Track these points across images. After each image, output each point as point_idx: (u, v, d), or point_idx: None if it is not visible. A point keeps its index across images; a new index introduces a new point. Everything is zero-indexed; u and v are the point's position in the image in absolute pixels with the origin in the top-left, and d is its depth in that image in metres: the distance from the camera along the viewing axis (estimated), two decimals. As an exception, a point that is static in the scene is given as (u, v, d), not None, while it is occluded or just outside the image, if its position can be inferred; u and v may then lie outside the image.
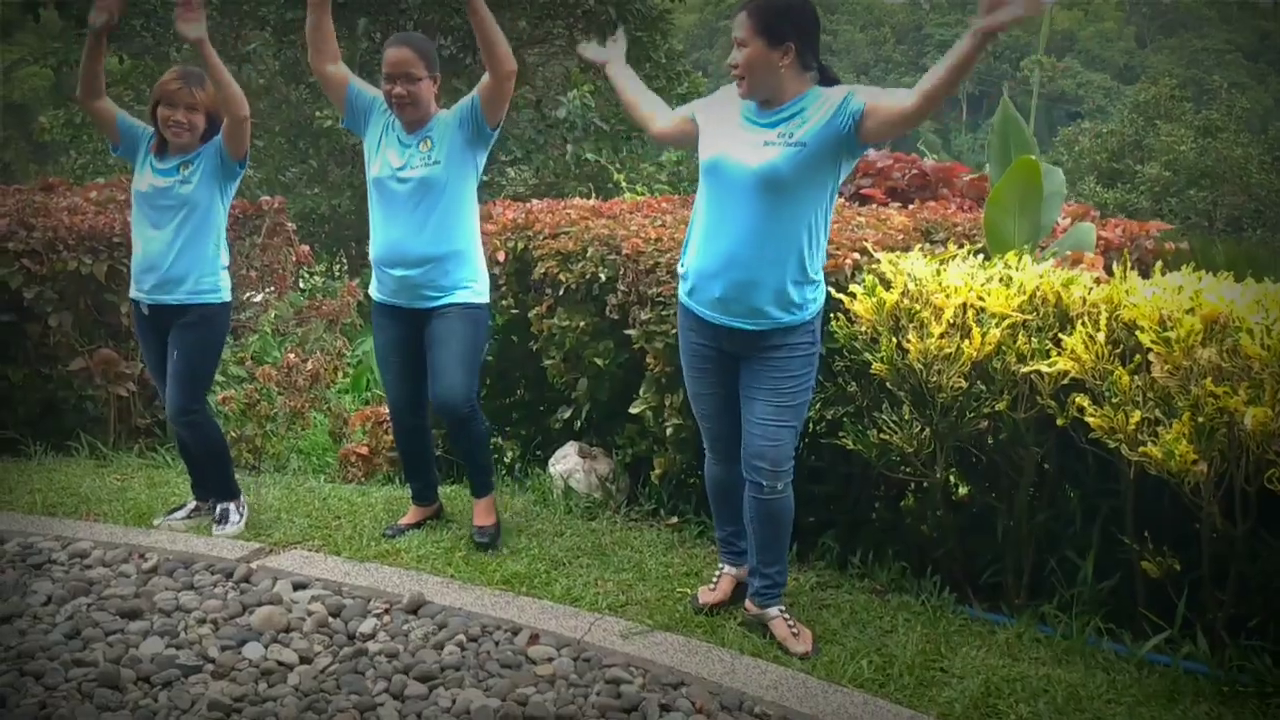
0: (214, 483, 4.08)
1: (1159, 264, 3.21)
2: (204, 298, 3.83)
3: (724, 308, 2.98)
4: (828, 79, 2.93)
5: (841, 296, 3.35)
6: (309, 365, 5.77)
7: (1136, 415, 2.90)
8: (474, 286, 3.70)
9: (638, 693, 2.80)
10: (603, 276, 4.05)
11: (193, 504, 4.14)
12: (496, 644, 3.08)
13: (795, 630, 3.09)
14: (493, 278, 4.41)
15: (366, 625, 3.17)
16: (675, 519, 4.10)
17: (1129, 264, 3.32)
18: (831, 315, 3.36)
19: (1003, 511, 3.49)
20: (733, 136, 2.93)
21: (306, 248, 7.29)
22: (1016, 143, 3.76)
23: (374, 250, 3.74)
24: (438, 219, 3.60)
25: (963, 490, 3.67)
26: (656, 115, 3.30)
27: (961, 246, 3.80)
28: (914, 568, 3.65)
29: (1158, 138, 23.99)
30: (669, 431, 3.92)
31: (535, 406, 4.76)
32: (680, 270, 3.13)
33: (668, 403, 3.90)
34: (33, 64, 16.30)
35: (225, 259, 3.93)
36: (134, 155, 3.92)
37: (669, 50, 11.57)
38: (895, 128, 2.81)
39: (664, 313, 3.80)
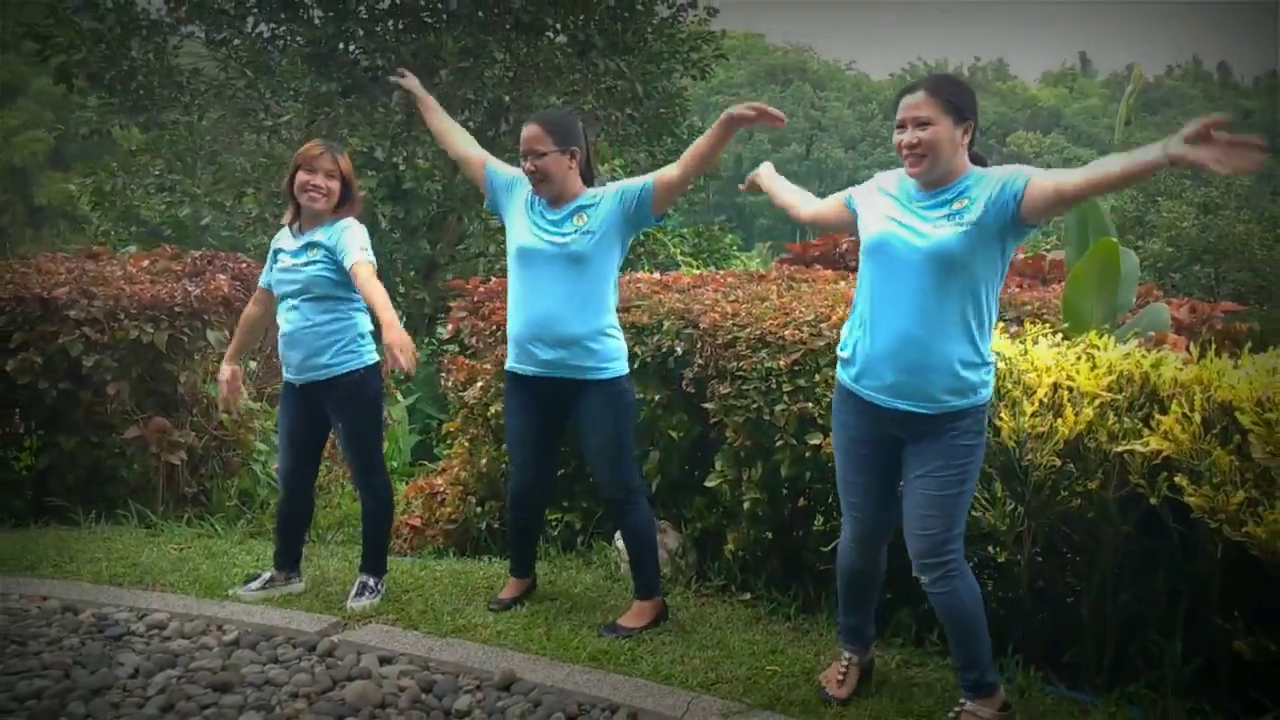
0: (370, 553, 4.09)
1: (1248, 345, 3.27)
2: (347, 365, 3.88)
3: (897, 391, 2.93)
4: (978, 160, 2.96)
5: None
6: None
7: (1239, 495, 2.93)
8: (614, 364, 3.67)
9: (749, 773, 2.79)
10: (679, 350, 4.09)
11: (269, 575, 4.13)
12: (596, 722, 3.05)
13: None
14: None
15: (461, 702, 3.14)
16: (748, 595, 4.08)
17: (1212, 345, 3.38)
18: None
19: (1085, 592, 3.50)
20: (898, 218, 2.94)
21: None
22: (1094, 224, 3.84)
23: (513, 326, 3.75)
24: (583, 294, 3.61)
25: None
26: (800, 202, 3.38)
27: (1035, 325, 3.85)
28: (995, 647, 3.63)
29: (1159, 214, 24.37)
30: (746, 505, 3.93)
31: (596, 479, 4.76)
32: (844, 355, 3.07)
33: (746, 476, 3.92)
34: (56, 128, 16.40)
35: (366, 325, 3.97)
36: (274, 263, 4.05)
37: (689, 125, 11.79)
38: (1054, 206, 2.76)
39: (743, 387, 3.83)
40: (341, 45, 10.50)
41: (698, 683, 3.30)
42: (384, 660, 3.44)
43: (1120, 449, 3.18)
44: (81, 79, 10.41)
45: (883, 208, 2.99)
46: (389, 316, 3.57)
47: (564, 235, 3.64)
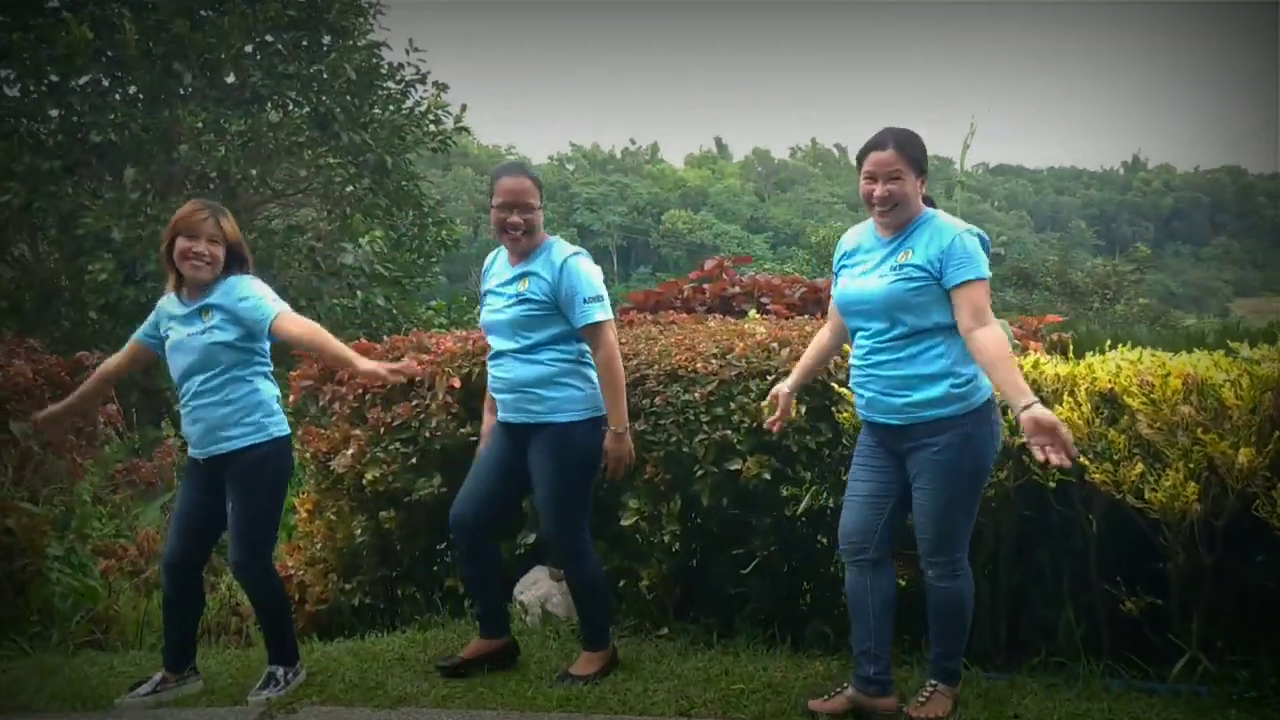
0: (271, 644, 3.74)
1: (1106, 343, 3.80)
2: (248, 439, 3.56)
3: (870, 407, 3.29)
4: (929, 201, 3.29)
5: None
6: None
7: (1138, 467, 3.38)
8: (569, 408, 3.61)
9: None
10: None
11: (159, 676, 3.70)
12: (606, 759, 3.01)
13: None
14: (446, 404, 4.37)
15: (458, 763, 2.99)
16: (665, 630, 4.12)
17: (1070, 348, 3.90)
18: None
19: (985, 579, 3.85)
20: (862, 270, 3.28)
21: (115, 406, 6.67)
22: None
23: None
24: (533, 345, 3.59)
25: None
26: (828, 345, 3.59)
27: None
28: (910, 642, 3.90)
29: (827, 274, 26.93)
30: (666, 539, 3.99)
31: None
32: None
33: (664, 510, 3.99)
34: None
35: (272, 392, 3.67)
36: (161, 333, 3.70)
37: (429, 203, 11.92)
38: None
39: (660, 422, 3.93)
40: (57, 121, 9.59)
41: (675, 710, 3.33)
42: (345, 738, 3.20)
43: (1021, 441, 3.57)
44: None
45: (855, 266, 3.32)
46: (347, 355, 3.52)
47: (508, 300, 3.65)
